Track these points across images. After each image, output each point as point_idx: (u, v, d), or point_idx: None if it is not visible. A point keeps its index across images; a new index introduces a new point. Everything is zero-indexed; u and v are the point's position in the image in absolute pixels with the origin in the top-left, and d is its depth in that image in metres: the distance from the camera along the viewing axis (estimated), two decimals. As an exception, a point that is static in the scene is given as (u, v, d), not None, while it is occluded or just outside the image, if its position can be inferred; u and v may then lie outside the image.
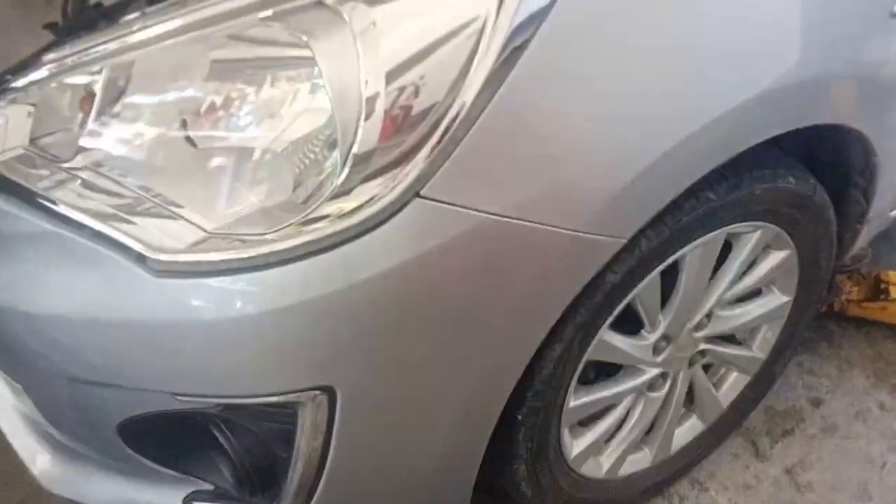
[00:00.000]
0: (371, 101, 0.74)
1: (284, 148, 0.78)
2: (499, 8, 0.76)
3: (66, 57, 0.82)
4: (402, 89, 0.75)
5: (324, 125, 0.76)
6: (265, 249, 0.76)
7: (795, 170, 1.13)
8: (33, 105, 0.83)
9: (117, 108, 0.81)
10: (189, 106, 0.80)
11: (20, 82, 0.83)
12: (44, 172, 0.82)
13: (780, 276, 1.26)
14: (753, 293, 1.28)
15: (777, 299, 1.29)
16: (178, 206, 0.79)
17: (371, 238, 0.76)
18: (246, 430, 0.90)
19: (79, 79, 0.82)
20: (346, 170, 0.75)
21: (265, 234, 0.76)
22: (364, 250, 0.76)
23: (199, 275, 0.77)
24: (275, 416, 0.85)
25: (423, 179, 0.76)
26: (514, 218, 0.80)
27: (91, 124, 0.81)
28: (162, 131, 0.81)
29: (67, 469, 1.06)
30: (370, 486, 0.96)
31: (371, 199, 0.75)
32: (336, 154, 0.75)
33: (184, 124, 0.80)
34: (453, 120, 0.75)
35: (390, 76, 0.74)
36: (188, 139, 0.80)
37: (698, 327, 1.20)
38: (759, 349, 1.36)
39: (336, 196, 0.75)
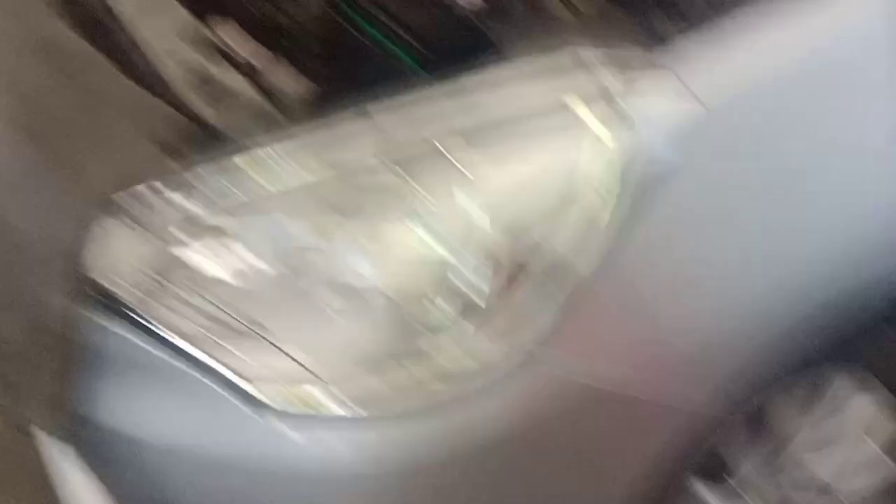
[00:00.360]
0: (480, 253, 0.75)
1: (391, 293, 0.78)
2: (620, 170, 0.77)
3: (176, 178, 0.84)
4: (513, 243, 0.75)
5: (433, 274, 0.76)
6: (366, 404, 0.75)
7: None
8: (139, 223, 0.84)
9: (227, 230, 0.83)
10: (296, 238, 0.81)
11: (129, 202, 0.84)
12: (147, 291, 0.83)
13: (873, 423, 1.20)
14: (845, 438, 1.22)
15: (869, 447, 1.23)
16: (282, 342, 0.79)
17: (479, 399, 0.75)
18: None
19: (185, 200, 0.84)
20: (453, 324, 0.75)
21: (368, 386, 0.76)
22: (472, 412, 0.75)
23: (298, 421, 0.77)
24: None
25: (531, 339, 0.75)
26: (621, 387, 0.79)
27: (196, 245, 0.83)
28: (268, 260, 0.81)
29: None
30: None
31: (478, 357, 0.75)
32: (443, 305, 0.75)
33: (291, 255, 0.81)
34: (565, 279, 0.75)
35: (502, 229, 0.75)
36: (294, 271, 0.81)
37: (785, 472, 1.15)
38: (848, 498, 1.29)
39: (442, 351, 0.75)
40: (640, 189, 0.77)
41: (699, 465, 1.04)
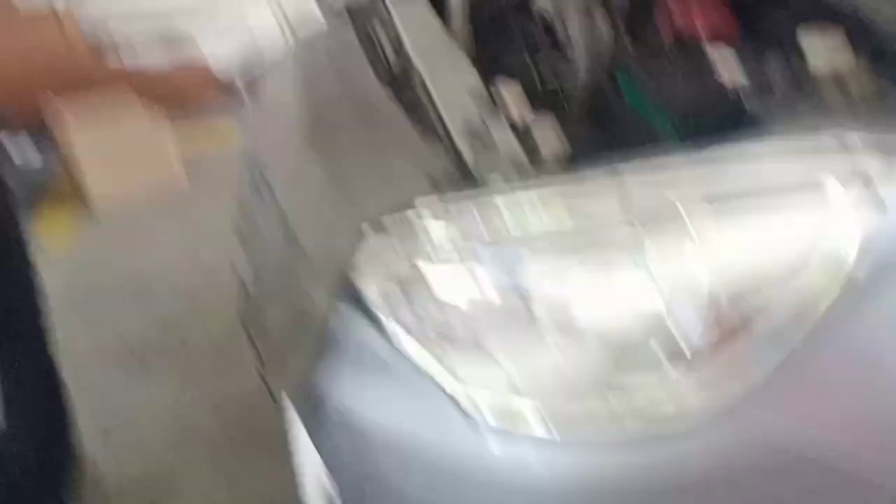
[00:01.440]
0: (701, 308, 0.78)
1: (608, 331, 0.83)
2: (861, 251, 0.78)
3: (437, 209, 0.94)
4: (736, 304, 0.78)
5: (650, 320, 0.81)
6: (565, 428, 0.81)
7: None
8: (400, 243, 0.94)
9: (472, 259, 0.90)
10: (531, 275, 0.87)
11: (395, 224, 0.94)
12: (398, 304, 0.93)
13: None
14: None
15: None
16: (499, 359, 0.87)
17: (674, 441, 0.79)
18: None
19: (442, 229, 0.93)
20: (660, 367, 0.79)
21: (569, 411, 0.82)
22: (665, 453, 0.79)
23: (500, 433, 0.83)
24: None
25: (740, 396, 0.78)
26: (826, 455, 0.80)
27: (443, 268, 0.92)
28: (503, 291, 0.88)
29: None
30: None
31: (678, 402, 0.79)
32: (654, 349, 0.80)
33: (523, 288, 0.88)
34: (784, 344, 0.77)
35: (726, 288, 0.78)
36: (523, 303, 0.87)
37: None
38: None
39: (645, 391, 0.80)
40: (880, 270, 0.77)
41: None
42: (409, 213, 0.94)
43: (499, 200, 0.91)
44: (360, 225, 0.95)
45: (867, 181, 0.81)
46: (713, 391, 0.78)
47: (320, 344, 0.99)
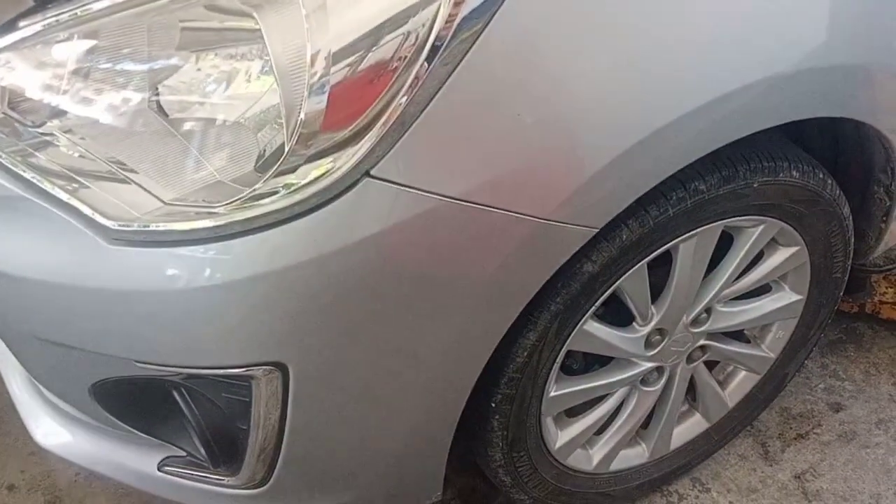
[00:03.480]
0: (317, 79, 0.73)
1: (246, 121, 0.78)
2: None
3: (42, 21, 0.82)
4: (351, 68, 0.74)
5: (273, 101, 0.76)
6: (214, 222, 0.76)
7: (802, 163, 1.07)
8: (10, 69, 0.84)
9: (90, 73, 0.82)
10: (160, 74, 0.81)
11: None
12: (17, 137, 0.83)
13: (789, 274, 1.21)
14: (762, 290, 1.23)
15: (786, 297, 1.24)
16: (137, 174, 0.80)
17: (318, 216, 0.75)
18: (209, 400, 0.92)
19: (54, 44, 0.82)
20: (291, 146, 0.74)
21: (216, 206, 0.77)
22: (311, 228, 0.76)
23: (151, 244, 0.78)
24: (233, 388, 0.87)
25: (372, 159, 0.75)
26: (470, 202, 0.79)
27: (64, 90, 0.82)
28: (133, 98, 0.81)
29: (58, 427, 1.10)
30: (333, 462, 0.96)
31: (318, 177, 0.75)
32: (280, 130, 0.75)
33: (155, 92, 0.81)
34: (405, 100, 0.74)
35: (339, 55, 0.73)
36: (158, 107, 0.81)
37: (697, 322, 1.16)
38: (769, 348, 1.31)
39: (283, 172, 0.75)
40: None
41: (608, 310, 1.06)
42: (9, 35, 0.82)
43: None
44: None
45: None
46: (342, 160, 0.74)
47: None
